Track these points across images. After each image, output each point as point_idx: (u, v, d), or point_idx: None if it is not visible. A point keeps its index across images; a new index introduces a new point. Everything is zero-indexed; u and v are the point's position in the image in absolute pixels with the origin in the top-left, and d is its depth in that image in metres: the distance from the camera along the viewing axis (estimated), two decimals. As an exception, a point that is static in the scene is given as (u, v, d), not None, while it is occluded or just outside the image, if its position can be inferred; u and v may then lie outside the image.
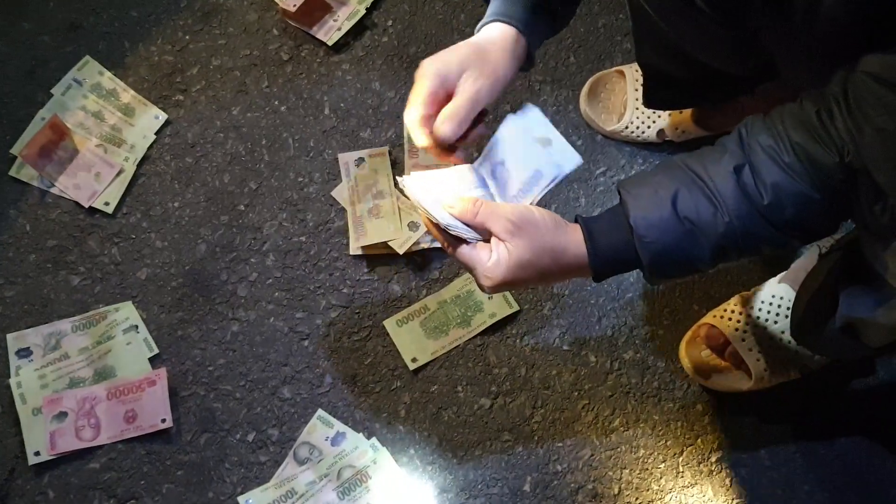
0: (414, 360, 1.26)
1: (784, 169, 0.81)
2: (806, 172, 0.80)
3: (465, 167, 0.95)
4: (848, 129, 0.76)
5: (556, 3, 0.98)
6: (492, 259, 0.86)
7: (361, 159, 1.36)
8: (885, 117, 0.72)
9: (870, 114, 0.73)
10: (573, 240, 0.87)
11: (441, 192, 0.91)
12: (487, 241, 0.88)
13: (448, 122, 0.90)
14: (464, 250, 0.88)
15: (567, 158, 0.94)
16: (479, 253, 0.87)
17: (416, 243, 1.30)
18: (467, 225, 0.88)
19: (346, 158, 1.36)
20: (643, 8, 1.04)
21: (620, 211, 0.87)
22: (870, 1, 0.69)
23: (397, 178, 0.93)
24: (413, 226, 1.31)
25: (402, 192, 0.92)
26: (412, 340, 1.27)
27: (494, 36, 0.94)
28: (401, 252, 1.29)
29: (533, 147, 0.94)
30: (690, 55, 1.09)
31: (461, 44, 0.94)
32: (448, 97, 0.92)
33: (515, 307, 1.28)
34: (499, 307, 1.28)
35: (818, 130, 0.79)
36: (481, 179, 0.95)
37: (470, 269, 0.89)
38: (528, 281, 0.89)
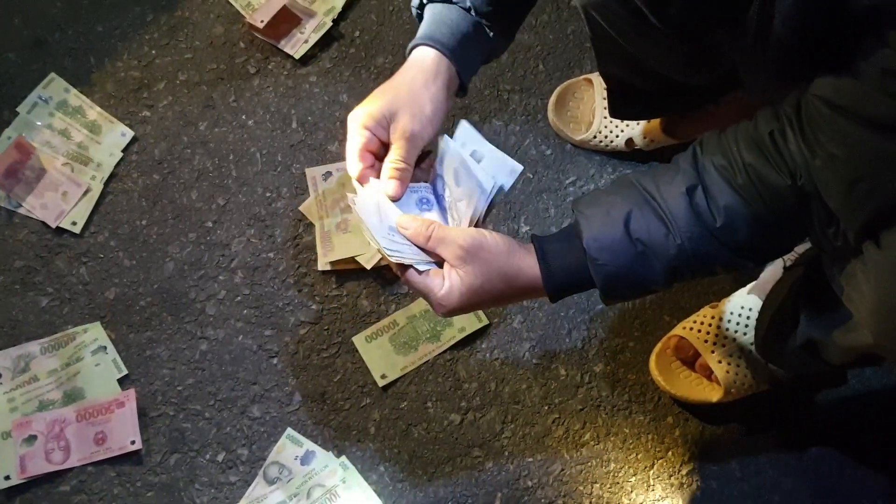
0: (383, 376, 1.26)
1: (737, 191, 0.80)
2: (758, 195, 0.79)
3: (419, 184, 0.93)
4: (801, 152, 0.75)
5: (488, 31, 0.96)
6: (444, 287, 0.85)
7: (329, 173, 1.35)
8: (835, 143, 0.71)
9: (821, 139, 0.72)
10: (527, 263, 0.86)
11: (393, 212, 0.89)
12: (439, 264, 0.88)
13: (391, 182, 0.89)
14: (415, 278, 0.87)
15: (505, 169, 0.93)
16: (431, 280, 0.86)
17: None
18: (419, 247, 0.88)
19: (314, 173, 1.35)
20: (600, 24, 1.03)
21: (574, 232, 0.86)
22: (817, 25, 0.67)
23: (349, 195, 0.91)
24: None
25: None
26: (381, 356, 1.27)
27: (422, 65, 0.92)
28: (368, 267, 1.29)
29: (469, 163, 0.92)
30: (651, 67, 1.08)
31: (385, 86, 0.92)
32: (383, 144, 0.91)
33: (485, 321, 1.28)
34: (468, 322, 1.28)
35: (771, 152, 0.78)
36: (432, 198, 0.93)
37: (423, 296, 0.88)
38: (482, 305, 0.89)
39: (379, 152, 0.91)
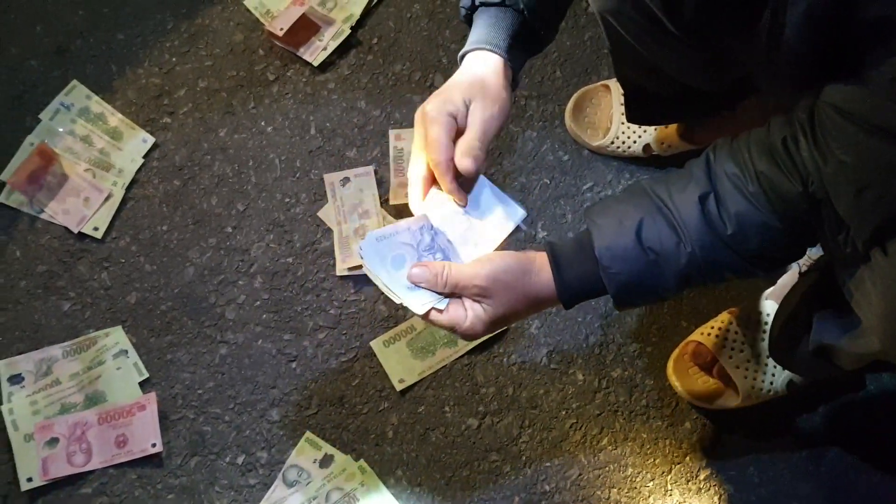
0: (401, 380, 1.26)
1: (748, 198, 0.81)
2: (769, 202, 0.80)
3: (417, 224, 0.91)
4: (812, 159, 0.76)
5: (538, 26, 0.96)
6: (469, 319, 0.86)
7: (347, 179, 1.36)
8: (845, 150, 0.72)
9: (832, 146, 0.72)
10: (543, 279, 0.87)
11: (399, 255, 0.89)
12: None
13: (467, 157, 0.87)
14: (438, 317, 0.87)
15: (511, 214, 0.93)
16: (454, 315, 0.86)
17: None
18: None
19: (332, 178, 1.37)
20: (616, 30, 1.04)
21: (587, 241, 0.86)
22: (827, 35, 0.68)
23: (355, 247, 0.89)
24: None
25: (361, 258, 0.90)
26: (399, 361, 1.27)
27: (486, 65, 0.92)
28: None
29: (493, 189, 0.93)
30: (667, 73, 1.09)
31: (454, 80, 0.92)
32: (458, 133, 0.90)
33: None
34: (486, 326, 1.28)
35: (783, 159, 0.79)
36: (429, 237, 0.91)
37: (449, 331, 0.88)
38: (507, 325, 0.93)
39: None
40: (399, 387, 1.26)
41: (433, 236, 0.91)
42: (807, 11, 0.68)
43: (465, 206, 0.91)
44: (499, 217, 0.93)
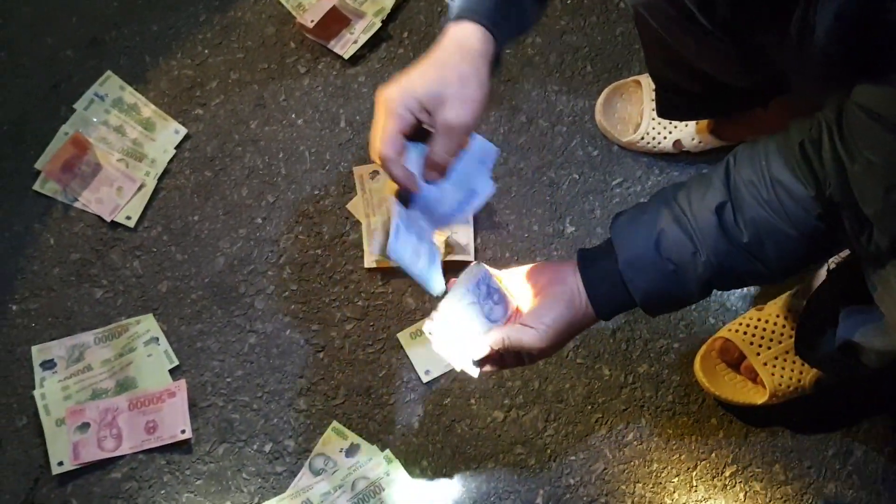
0: (427, 372, 1.27)
1: (762, 205, 0.82)
2: (783, 208, 0.81)
3: (472, 281, 0.94)
4: (837, 159, 0.76)
5: None
6: (527, 361, 0.95)
7: (376, 172, 1.37)
8: (873, 150, 0.72)
9: (860, 145, 0.73)
10: (586, 309, 0.91)
11: (469, 317, 0.94)
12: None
13: (434, 172, 0.86)
14: (505, 363, 0.96)
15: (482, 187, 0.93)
16: (514, 364, 0.96)
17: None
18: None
19: (361, 171, 1.37)
20: (649, 23, 1.04)
21: (612, 254, 0.89)
22: (857, 36, 0.68)
23: (425, 327, 0.95)
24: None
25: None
26: (426, 353, 1.28)
27: (468, 43, 0.84)
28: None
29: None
30: (699, 68, 1.08)
31: (428, 66, 0.84)
32: (419, 128, 0.84)
33: (529, 320, 1.29)
34: (512, 320, 1.29)
35: (798, 163, 0.80)
36: (488, 282, 0.95)
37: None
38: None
39: (411, 135, 0.84)
40: (425, 378, 1.27)
41: (487, 283, 0.95)
42: (836, 13, 0.68)
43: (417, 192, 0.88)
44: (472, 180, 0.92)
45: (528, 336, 0.90)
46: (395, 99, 0.82)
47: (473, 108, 0.83)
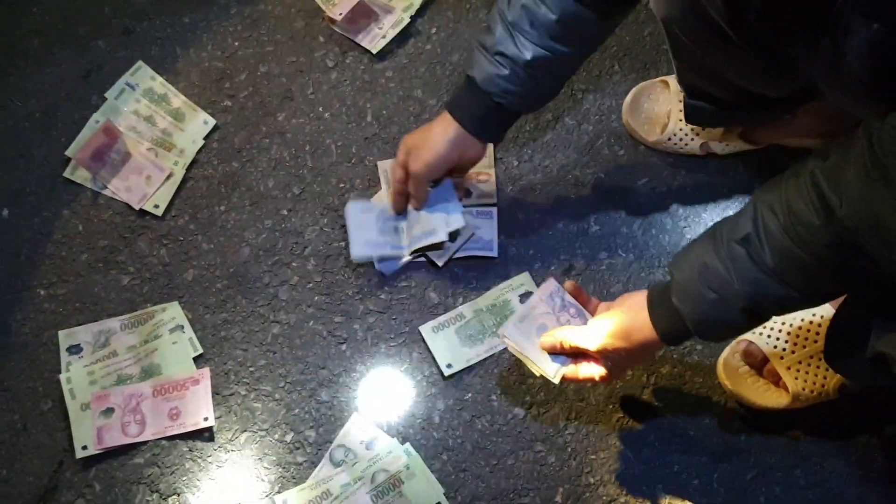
0: (449, 366, 1.28)
1: (783, 233, 0.84)
2: (798, 236, 0.83)
3: (546, 292, 1.12)
4: (865, 178, 0.75)
5: (513, 100, 1.14)
6: (599, 374, 1.06)
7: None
8: None
9: (893, 164, 0.72)
10: (647, 332, 1.00)
11: (541, 325, 1.11)
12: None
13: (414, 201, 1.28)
14: (573, 377, 1.09)
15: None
16: (585, 373, 1.08)
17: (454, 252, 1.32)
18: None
19: (385, 165, 1.38)
20: (679, 35, 1.03)
21: (668, 286, 0.98)
22: (889, 61, 0.68)
23: (499, 332, 1.15)
24: (451, 236, 1.32)
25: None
26: (448, 347, 1.28)
27: (449, 128, 1.18)
28: (440, 264, 1.32)
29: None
30: (728, 78, 1.08)
31: (422, 130, 1.23)
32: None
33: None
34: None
35: (809, 191, 0.81)
36: (562, 296, 1.13)
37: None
38: (634, 365, 1.20)
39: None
40: (447, 373, 1.27)
41: (561, 296, 1.11)
42: (867, 40, 0.68)
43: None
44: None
45: (581, 331, 1.06)
46: (402, 142, 1.25)
47: (428, 165, 1.20)
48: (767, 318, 0.97)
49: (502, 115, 1.17)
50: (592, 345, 1.04)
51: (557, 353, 1.09)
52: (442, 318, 1.30)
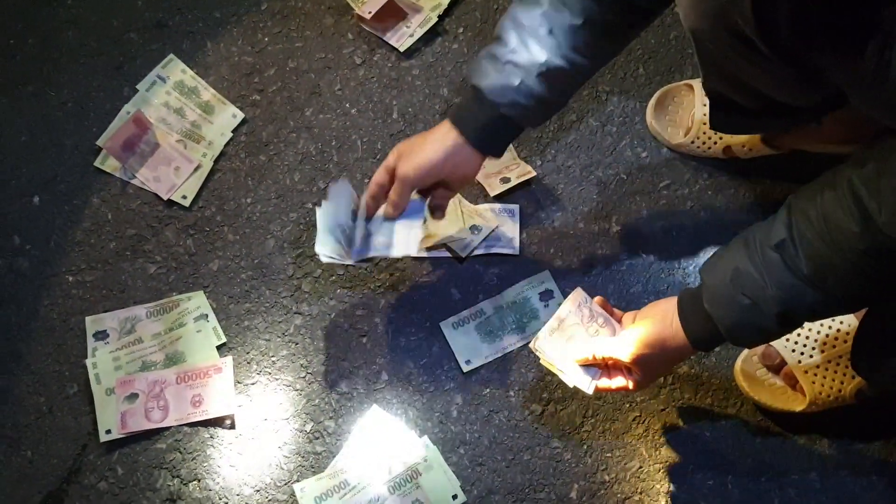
0: (468, 362, 1.29)
1: (819, 240, 0.84)
2: (835, 242, 0.83)
3: (574, 303, 1.11)
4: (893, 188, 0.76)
5: (520, 113, 1.09)
6: (633, 384, 1.08)
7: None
8: None
9: None
10: (674, 328, 1.01)
11: (571, 336, 1.11)
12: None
13: (389, 209, 1.17)
14: (605, 387, 1.09)
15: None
16: (618, 384, 1.08)
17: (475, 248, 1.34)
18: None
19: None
20: (707, 46, 1.04)
21: (698, 292, 0.98)
22: None
23: (532, 345, 1.11)
24: (475, 229, 1.34)
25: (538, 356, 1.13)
26: (467, 343, 1.30)
27: (441, 134, 1.12)
28: (463, 255, 1.34)
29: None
30: (755, 87, 1.08)
31: (418, 136, 1.16)
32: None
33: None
34: (554, 315, 1.30)
35: (846, 198, 0.81)
36: (590, 307, 1.12)
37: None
38: (667, 372, 1.24)
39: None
40: (465, 368, 1.29)
41: (589, 307, 1.11)
42: None
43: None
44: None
45: (613, 342, 1.06)
46: (395, 147, 1.16)
47: (418, 170, 1.12)
48: (800, 325, 0.97)
49: (506, 128, 1.12)
50: (626, 355, 1.04)
51: (590, 364, 1.09)
52: (462, 314, 1.31)
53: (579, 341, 1.09)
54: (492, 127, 1.10)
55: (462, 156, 1.12)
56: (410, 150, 1.13)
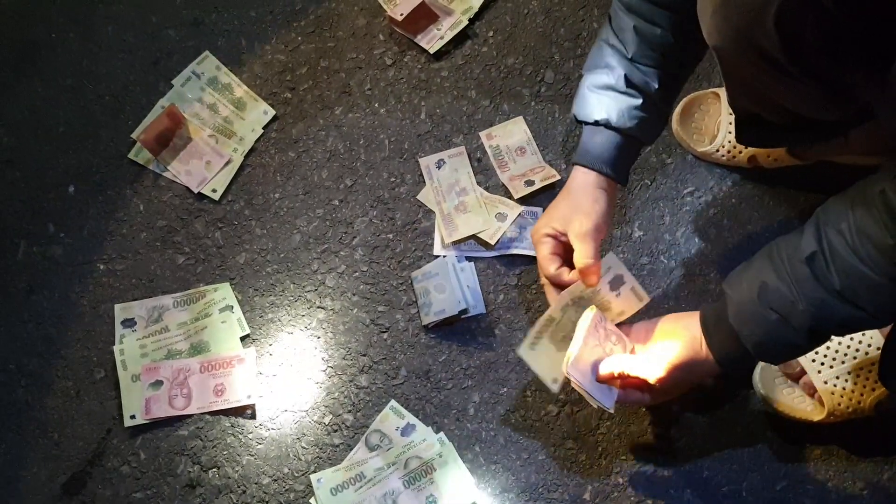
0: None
1: (851, 253, 0.84)
2: (868, 256, 0.82)
3: (592, 325, 1.09)
4: None
5: (640, 140, 1.11)
6: (649, 399, 1.11)
7: (442, 161, 1.42)
8: None
9: None
10: (703, 351, 1.02)
11: (596, 360, 1.10)
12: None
13: (584, 275, 1.09)
14: (626, 401, 1.11)
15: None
16: (637, 400, 1.11)
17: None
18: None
19: (427, 162, 1.42)
20: (731, 63, 1.04)
21: (723, 309, 0.98)
22: None
23: (564, 369, 1.08)
24: (501, 217, 1.35)
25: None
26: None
27: (580, 181, 1.11)
28: (492, 243, 1.35)
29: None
30: (781, 104, 1.08)
31: (558, 197, 1.14)
32: (565, 245, 1.11)
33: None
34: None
35: (879, 209, 0.81)
36: (605, 326, 1.12)
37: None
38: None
39: (564, 256, 1.12)
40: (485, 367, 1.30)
41: (605, 326, 1.11)
42: None
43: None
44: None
45: (640, 362, 1.06)
46: (537, 231, 1.13)
47: (593, 218, 1.08)
48: (828, 339, 0.96)
49: (631, 149, 1.13)
50: (654, 377, 1.04)
51: (612, 380, 1.09)
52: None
53: (600, 361, 1.10)
54: (621, 154, 1.12)
55: (608, 192, 1.12)
56: (571, 212, 1.10)
